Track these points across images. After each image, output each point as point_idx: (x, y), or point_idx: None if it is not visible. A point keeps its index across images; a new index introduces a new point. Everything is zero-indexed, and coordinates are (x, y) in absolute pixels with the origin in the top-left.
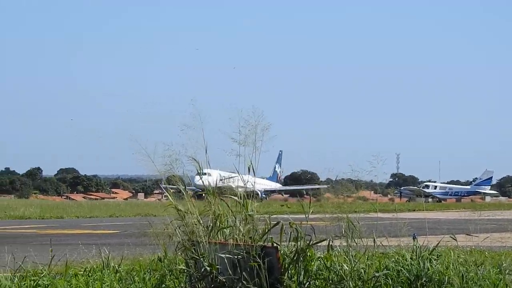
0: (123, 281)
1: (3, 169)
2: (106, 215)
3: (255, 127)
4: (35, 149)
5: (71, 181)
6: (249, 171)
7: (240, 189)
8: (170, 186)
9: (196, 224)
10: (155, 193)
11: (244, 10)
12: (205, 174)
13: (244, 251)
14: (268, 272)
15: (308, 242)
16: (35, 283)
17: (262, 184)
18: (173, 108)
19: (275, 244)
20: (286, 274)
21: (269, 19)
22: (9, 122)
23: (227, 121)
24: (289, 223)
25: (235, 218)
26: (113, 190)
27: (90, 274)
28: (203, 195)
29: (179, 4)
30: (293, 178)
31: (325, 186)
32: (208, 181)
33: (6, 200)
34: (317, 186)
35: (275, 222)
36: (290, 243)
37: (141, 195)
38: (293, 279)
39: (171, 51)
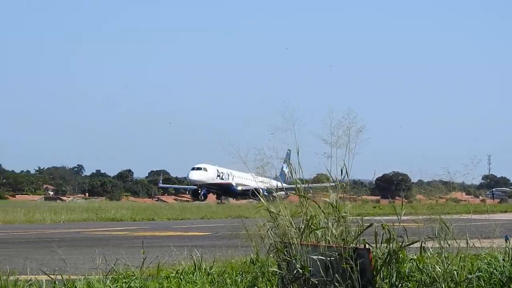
0: (215, 283)
1: (94, 171)
2: (198, 217)
3: (349, 129)
4: (127, 151)
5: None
6: (341, 173)
7: (239, 187)
8: (168, 185)
9: (288, 226)
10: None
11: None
12: (200, 169)
13: (337, 253)
14: (360, 274)
15: (400, 243)
16: (127, 285)
17: (263, 183)
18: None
19: (367, 246)
20: (378, 276)
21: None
22: (98, 125)
23: (318, 123)
24: (382, 224)
25: (327, 220)
26: None
27: (182, 276)
28: (199, 192)
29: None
30: (385, 180)
31: (332, 184)
32: (205, 177)
33: (97, 202)
34: (324, 185)
35: (368, 224)
36: (382, 244)
37: None
38: (385, 281)
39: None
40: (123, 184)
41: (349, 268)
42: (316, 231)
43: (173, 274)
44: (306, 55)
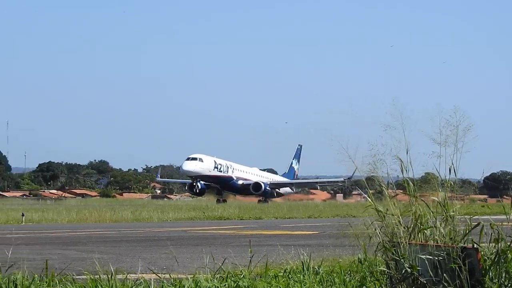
0: (324, 283)
1: None
2: (305, 216)
3: (457, 128)
4: (233, 150)
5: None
6: (450, 172)
7: (240, 181)
8: (164, 179)
9: (397, 225)
10: (354, 194)
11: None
12: (195, 159)
13: (445, 252)
14: (469, 274)
15: (509, 243)
16: (235, 284)
17: (266, 178)
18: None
19: (475, 245)
20: (487, 276)
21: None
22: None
23: (427, 122)
24: (490, 224)
25: (436, 219)
26: (311, 191)
27: (290, 276)
28: (194, 185)
29: None
30: (493, 179)
31: (342, 179)
32: (200, 168)
33: (205, 200)
34: (332, 179)
35: (476, 223)
36: (490, 244)
37: (339, 196)
38: (494, 281)
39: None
40: None
41: (458, 268)
42: (425, 230)
43: (281, 274)
44: (416, 53)
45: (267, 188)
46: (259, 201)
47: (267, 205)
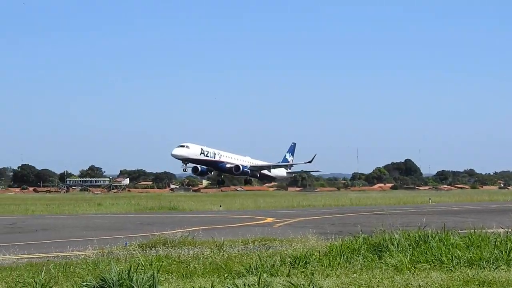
0: None
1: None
2: (503, 199)
3: None
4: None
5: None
6: None
7: (228, 165)
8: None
9: None
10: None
11: None
12: (183, 146)
13: None
14: None
15: None
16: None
17: (246, 161)
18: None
19: None
20: None
21: None
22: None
23: None
24: None
25: None
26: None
27: None
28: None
29: None
30: None
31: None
32: (187, 153)
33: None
34: (288, 164)
35: None
36: None
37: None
38: None
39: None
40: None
41: None
42: None
43: None
44: None
45: (245, 169)
46: (244, 181)
47: (471, 191)
